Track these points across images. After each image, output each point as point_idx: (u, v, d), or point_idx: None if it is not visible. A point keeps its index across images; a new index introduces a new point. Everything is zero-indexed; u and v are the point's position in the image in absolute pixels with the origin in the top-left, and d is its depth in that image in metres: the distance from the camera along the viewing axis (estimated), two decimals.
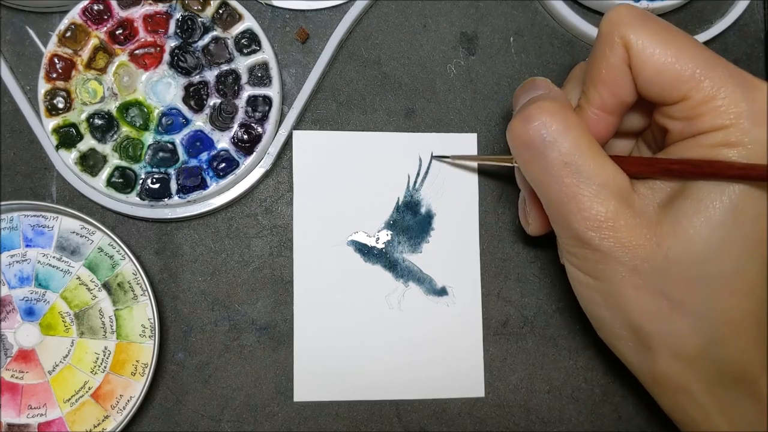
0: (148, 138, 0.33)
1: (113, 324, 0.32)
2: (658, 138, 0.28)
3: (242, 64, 0.33)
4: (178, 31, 0.33)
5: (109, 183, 0.32)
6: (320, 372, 0.33)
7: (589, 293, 0.27)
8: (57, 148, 0.32)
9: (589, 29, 0.35)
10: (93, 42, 0.33)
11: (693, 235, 0.24)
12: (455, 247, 0.34)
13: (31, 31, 0.34)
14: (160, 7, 0.33)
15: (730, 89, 0.24)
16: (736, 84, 0.24)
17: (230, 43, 0.33)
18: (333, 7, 0.35)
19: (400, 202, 0.34)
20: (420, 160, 0.35)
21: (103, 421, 0.32)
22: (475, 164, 0.35)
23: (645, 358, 0.27)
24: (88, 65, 0.33)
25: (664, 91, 0.25)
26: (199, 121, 0.33)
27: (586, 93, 0.27)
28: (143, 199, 0.32)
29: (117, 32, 0.33)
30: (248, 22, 0.33)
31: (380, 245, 0.34)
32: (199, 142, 0.33)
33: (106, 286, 0.32)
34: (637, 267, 0.25)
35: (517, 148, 0.27)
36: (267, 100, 0.33)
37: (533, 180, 0.27)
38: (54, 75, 0.33)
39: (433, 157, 0.34)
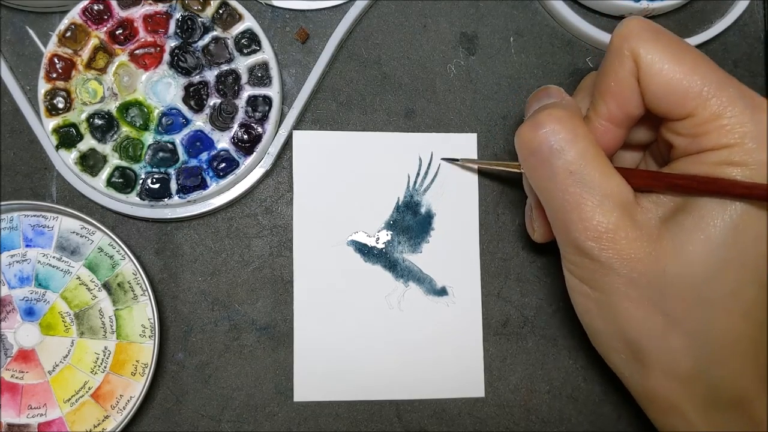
0: (148, 138, 0.33)
1: (113, 324, 0.32)
2: (664, 152, 0.28)
3: (242, 64, 0.33)
4: (178, 31, 0.33)
5: (109, 183, 0.32)
6: (320, 372, 0.33)
7: (586, 303, 0.27)
8: (57, 148, 0.32)
9: (589, 29, 0.35)
10: (93, 42, 0.33)
11: (692, 254, 0.24)
12: (455, 247, 0.34)
13: (31, 31, 0.34)
14: (160, 7, 0.33)
15: (737, 109, 0.24)
16: (744, 104, 0.24)
17: (230, 43, 0.33)
18: (333, 7, 0.35)
19: (400, 202, 0.34)
20: (420, 160, 0.35)
21: (103, 421, 0.32)
22: (475, 165, 0.35)
23: (638, 373, 0.27)
24: (88, 65, 0.33)
25: (670, 107, 0.25)
26: (199, 121, 0.33)
27: (595, 104, 0.27)
28: (143, 199, 0.32)
29: (117, 32, 0.33)
30: (248, 22, 0.33)
31: (380, 245, 0.34)
32: (199, 142, 0.33)
33: (106, 286, 0.32)
34: (635, 280, 0.25)
35: (524, 154, 0.27)
36: (267, 100, 0.33)
37: (538, 187, 0.27)
38: (54, 75, 0.33)
39: (442, 159, 0.34)
